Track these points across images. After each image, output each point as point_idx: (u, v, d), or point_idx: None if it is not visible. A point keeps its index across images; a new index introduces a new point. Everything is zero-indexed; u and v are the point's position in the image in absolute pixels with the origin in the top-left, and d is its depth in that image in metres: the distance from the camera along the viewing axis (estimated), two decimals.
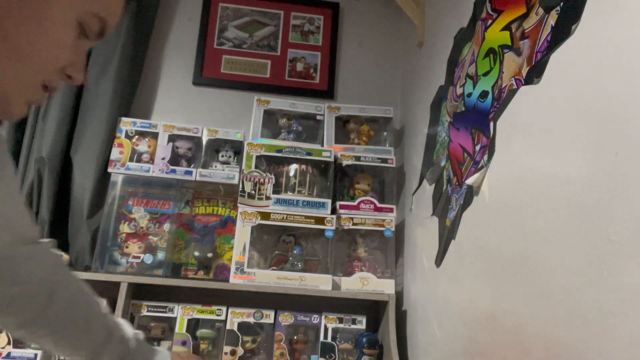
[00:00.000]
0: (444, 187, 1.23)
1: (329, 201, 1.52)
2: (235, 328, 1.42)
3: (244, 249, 1.44)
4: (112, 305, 1.32)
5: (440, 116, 1.33)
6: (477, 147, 1.04)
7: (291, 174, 1.55)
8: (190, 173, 1.55)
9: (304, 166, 1.56)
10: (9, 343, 1.33)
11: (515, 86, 0.89)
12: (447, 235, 1.16)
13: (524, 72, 0.86)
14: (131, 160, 1.54)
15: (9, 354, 1.32)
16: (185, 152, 1.61)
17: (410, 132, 1.66)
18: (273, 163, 1.57)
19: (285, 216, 1.47)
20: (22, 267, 0.69)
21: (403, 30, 1.89)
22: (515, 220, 0.84)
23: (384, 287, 1.46)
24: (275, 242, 1.54)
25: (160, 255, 1.50)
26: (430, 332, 1.25)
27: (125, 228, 1.51)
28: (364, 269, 1.51)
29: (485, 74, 1.04)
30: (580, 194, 0.67)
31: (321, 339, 1.44)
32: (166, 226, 1.53)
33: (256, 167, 1.52)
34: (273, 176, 1.51)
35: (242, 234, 1.45)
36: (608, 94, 0.64)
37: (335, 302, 1.47)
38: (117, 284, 1.38)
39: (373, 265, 1.54)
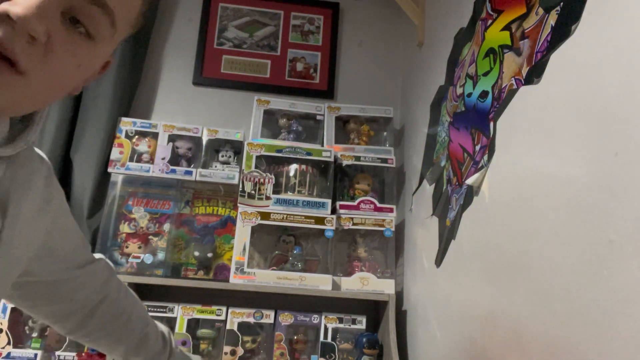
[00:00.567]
0: (444, 187, 1.23)
1: (329, 201, 1.52)
2: (235, 328, 1.42)
3: (244, 249, 1.44)
4: None
5: (440, 116, 1.33)
6: (477, 147, 1.04)
7: (291, 174, 1.55)
8: (190, 173, 1.55)
9: (304, 166, 1.56)
10: (9, 343, 1.33)
11: (515, 86, 0.89)
12: (447, 235, 1.16)
13: (524, 72, 0.86)
14: (131, 160, 1.54)
15: (8, 354, 1.32)
16: (185, 152, 1.61)
17: (410, 132, 1.66)
18: (273, 163, 1.57)
19: (285, 216, 1.47)
20: (74, 288, 0.74)
21: (403, 30, 1.89)
22: (515, 220, 0.84)
23: (384, 287, 1.46)
24: (275, 242, 1.54)
25: (160, 255, 1.50)
26: (430, 332, 1.25)
27: (125, 228, 1.51)
28: (364, 269, 1.51)
29: (485, 74, 1.04)
30: (580, 194, 0.67)
31: (321, 339, 1.44)
32: (166, 226, 1.53)
33: (256, 167, 1.52)
34: (273, 176, 1.51)
35: (242, 234, 1.45)
36: (608, 94, 0.64)
37: (335, 302, 1.47)
38: None
39: (373, 265, 1.54)
